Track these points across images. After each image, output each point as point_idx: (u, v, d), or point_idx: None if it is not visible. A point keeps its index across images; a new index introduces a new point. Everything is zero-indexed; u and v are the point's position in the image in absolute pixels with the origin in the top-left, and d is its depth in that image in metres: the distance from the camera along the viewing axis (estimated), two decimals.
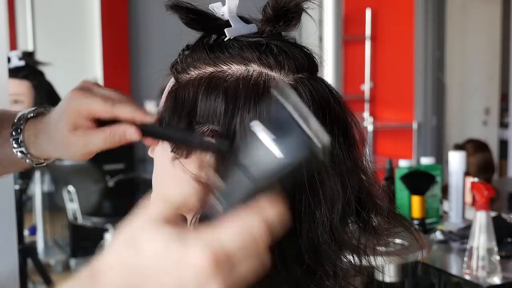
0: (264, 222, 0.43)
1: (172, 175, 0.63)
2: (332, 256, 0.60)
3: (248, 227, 0.42)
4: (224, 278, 0.41)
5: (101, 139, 0.65)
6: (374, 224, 0.64)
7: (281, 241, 0.58)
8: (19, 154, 0.73)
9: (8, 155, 0.74)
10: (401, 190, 2.06)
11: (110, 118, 0.65)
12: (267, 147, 0.44)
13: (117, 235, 0.44)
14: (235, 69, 0.62)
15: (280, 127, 0.44)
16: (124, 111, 0.65)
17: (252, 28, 0.64)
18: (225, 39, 0.64)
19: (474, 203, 1.83)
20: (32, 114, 0.73)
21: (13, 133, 0.73)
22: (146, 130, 0.65)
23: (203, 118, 0.62)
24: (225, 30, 0.63)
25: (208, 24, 0.65)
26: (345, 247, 0.62)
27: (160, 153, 0.66)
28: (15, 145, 0.72)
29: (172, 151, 0.64)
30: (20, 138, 0.72)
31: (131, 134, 0.65)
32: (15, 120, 0.73)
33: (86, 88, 0.67)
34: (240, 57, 0.62)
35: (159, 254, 0.41)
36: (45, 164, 0.76)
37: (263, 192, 0.45)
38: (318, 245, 0.60)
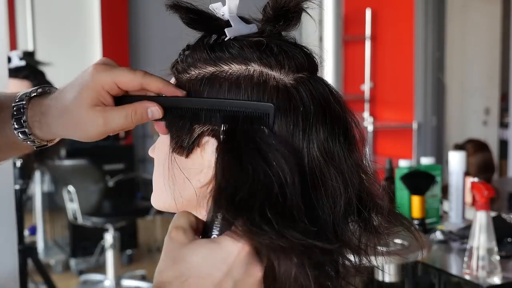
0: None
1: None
2: (335, 254, 0.61)
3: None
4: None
5: (122, 117, 0.62)
6: (374, 223, 0.64)
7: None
8: (20, 135, 0.67)
9: (7, 137, 0.68)
10: (401, 190, 2.06)
11: (137, 90, 0.62)
12: None
13: (163, 256, 0.57)
14: (236, 68, 0.62)
15: None
16: (154, 81, 0.62)
17: (252, 28, 0.64)
18: (225, 39, 0.64)
19: (474, 203, 1.83)
20: (35, 93, 0.68)
21: (15, 112, 0.67)
22: (171, 106, 0.62)
23: (203, 117, 0.62)
24: (225, 30, 0.63)
25: (208, 24, 0.65)
26: (347, 246, 0.62)
27: (161, 152, 0.67)
28: (16, 126, 0.67)
29: (173, 150, 0.64)
30: (23, 117, 0.66)
31: (155, 112, 0.62)
32: (17, 100, 0.68)
33: (108, 63, 0.64)
34: (240, 56, 0.62)
35: (204, 258, 0.55)
36: (47, 146, 0.71)
37: None
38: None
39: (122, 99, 0.63)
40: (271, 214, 0.55)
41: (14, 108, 0.67)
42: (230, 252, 0.55)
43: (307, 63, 0.63)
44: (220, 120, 0.60)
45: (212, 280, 0.55)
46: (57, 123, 0.65)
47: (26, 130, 0.67)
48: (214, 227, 0.57)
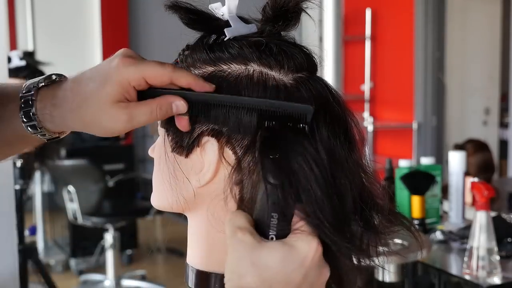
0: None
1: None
2: (334, 253, 0.61)
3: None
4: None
5: (147, 113, 0.60)
6: (375, 222, 0.64)
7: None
8: (29, 129, 0.63)
9: (16, 131, 0.64)
10: (401, 190, 2.06)
11: (165, 85, 0.60)
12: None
13: (237, 259, 0.55)
14: (235, 68, 0.62)
15: None
16: (184, 75, 0.60)
17: (252, 28, 0.64)
18: (224, 39, 0.64)
19: (474, 203, 1.83)
20: (43, 83, 0.63)
21: (23, 105, 0.63)
22: (199, 100, 0.60)
23: (203, 117, 0.62)
24: (225, 30, 0.63)
25: (207, 24, 0.65)
26: (352, 246, 0.62)
27: (161, 152, 0.67)
28: (25, 119, 0.63)
29: (173, 150, 0.64)
30: (32, 110, 0.62)
31: (180, 106, 0.60)
32: (24, 91, 0.63)
33: (132, 57, 0.60)
34: (240, 56, 0.62)
35: (285, 261, 0.54)
36: (59, 138, 0.67)
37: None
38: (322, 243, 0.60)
39: (144, 93, 0.61)
40: (336, 215, 0.58)
41: (22, 100, 0.63)
42: (306, 254, 0.55)
43: (306, 63, 0.63)
44: (256, 120, 0.59)
45: (294, 285, 0.55)
46: (73, 116, 0.62)
47: (36, 123, 0.63)
48: (271, 228, 0.56)
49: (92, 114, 0.60)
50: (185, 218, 0.69)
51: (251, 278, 0.54)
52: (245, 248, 0.55)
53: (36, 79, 0.64)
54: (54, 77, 0.64)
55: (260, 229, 0.57)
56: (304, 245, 0.55)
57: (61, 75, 0.65)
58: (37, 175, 4.14)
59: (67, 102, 0.62)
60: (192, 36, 0.66)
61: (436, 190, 2.11)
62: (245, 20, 0.65)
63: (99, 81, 0.60)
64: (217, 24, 0.64)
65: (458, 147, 3.13)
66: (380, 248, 0.64)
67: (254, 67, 0.62)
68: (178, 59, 0.66)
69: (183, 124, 0.62)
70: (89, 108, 0.60)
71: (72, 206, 3.54)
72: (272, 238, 0.56)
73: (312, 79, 0.63)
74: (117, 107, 0.59)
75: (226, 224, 0.57)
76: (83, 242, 4.15)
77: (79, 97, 0.61)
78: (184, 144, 0.63)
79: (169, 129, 0.65)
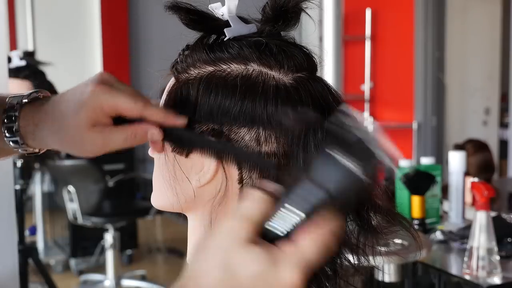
0: (333, 235, 0.50)
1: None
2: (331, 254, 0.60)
3: (324, 241, 0.49)
4: None
5: (122, 139, 0.61)
6: (373, 223, 0.64)
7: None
8: (11, 143, 0.65)
9: None
10: (401, 190, 2.06)
11: (135, 117, 0.61)
12: (347, 168, 0.49)
13: (205, 256, 0.49)
14: (235, 68, 0.62)
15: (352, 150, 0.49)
16: (154, 113, 0.61)
17: (252, 28, 0.65)
18: (224, 39, 0.64)
19: (474, 203, 1.83)
20: (26, 100, 0.65)
21: (6, 120, 0.64)
22: (173, 134, 0.62)
23: (203, 117, 0.62)
24: (225, 30, 0.63)
25: (207, 25, 0.65)
26: (344, 246, 0.62)
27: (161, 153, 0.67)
28: (8, 134, 0.64)
29: (173, 150, 0.65)
30: (15, 126, 0.64)
31: (155, 135, 0.61)
32: (7, 106, 0.65)
33: (107, 83, 0.61)
34: (239, 56, 0.63)
35: (255, 276, 0.48)
36: (39, 153, 0.69)
37: (333, 206, 0.50)
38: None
39: (121, 117, 0.63)
40: None
41: (5, 115, 0.65)
42: (284, 282, 0.48)
43: (306, 63, 0.64)
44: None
45: None
46: (52, 138, 0.63)
47: (18, 139, 0.65)
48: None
49: (71, 137, 0.62)
50: (185, 218, 0.69)
51: (213, 281, 0.48)
52: (229, 241, 0.49)
53: (20, 95, 0.66)
54: (37, 93, 0.66)
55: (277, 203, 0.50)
56: (287, 271, 0.48)
57: (42, 91, 0.67)
58: (37, 175, 4.14)
59: (48, 124, 0.63)
60: (192, 36, 0.67)
61: (436, 190, 2.11)
62: (245, 20, 0.65)
63: (75, 105, 0.61)
64: (217, 24, 0.65)
65: (458, 147, 3.13)
66: (379, 248, 0.64)
67: (254, 67, 0.62)
68: (178, 59, 0.67)
69: (157, 148, 0.64)
70: (68, 132, 0.62)
71: (72, 206, 3.54)
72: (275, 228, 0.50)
73: (312, 79, 0.63)
74: (93, 132, 0.61)
75: (236, 208, 0.51)
76: (83, 242, 4.15)
77: (57, 121, 0.62)
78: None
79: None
